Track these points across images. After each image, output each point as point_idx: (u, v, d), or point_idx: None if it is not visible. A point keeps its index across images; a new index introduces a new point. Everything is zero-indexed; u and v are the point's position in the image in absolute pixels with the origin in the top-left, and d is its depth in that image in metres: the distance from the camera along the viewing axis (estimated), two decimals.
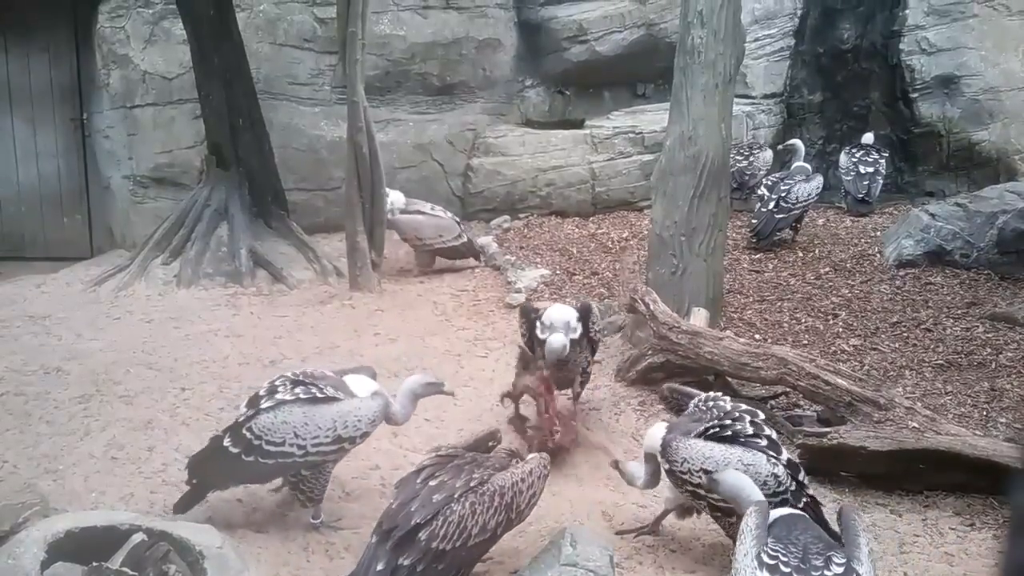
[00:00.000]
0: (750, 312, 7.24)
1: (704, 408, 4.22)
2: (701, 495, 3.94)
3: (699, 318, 6.20)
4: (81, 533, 3.69)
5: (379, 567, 3.55)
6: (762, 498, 3.43)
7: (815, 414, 5.59)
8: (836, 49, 10.54)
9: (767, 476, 3.82)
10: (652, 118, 10.07)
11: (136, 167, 9.87)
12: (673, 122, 6.74)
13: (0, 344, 6.92)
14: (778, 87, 10.59)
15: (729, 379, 5.84)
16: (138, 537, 3.52)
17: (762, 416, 4.18)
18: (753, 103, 10.45)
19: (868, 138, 9.77)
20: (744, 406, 4.24)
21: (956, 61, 9.95)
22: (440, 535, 3.57)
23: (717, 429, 4.02)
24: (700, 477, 3.86)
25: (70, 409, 5.68)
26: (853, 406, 5.13)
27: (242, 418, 4.31)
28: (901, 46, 10.14)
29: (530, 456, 4.02)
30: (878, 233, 8.79)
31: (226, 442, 4.28)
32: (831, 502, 4.77)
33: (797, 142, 9.52)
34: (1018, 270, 7.57)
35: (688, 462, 3.92)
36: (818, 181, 8.83)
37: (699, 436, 4.02)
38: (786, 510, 3.31)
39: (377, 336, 7.07)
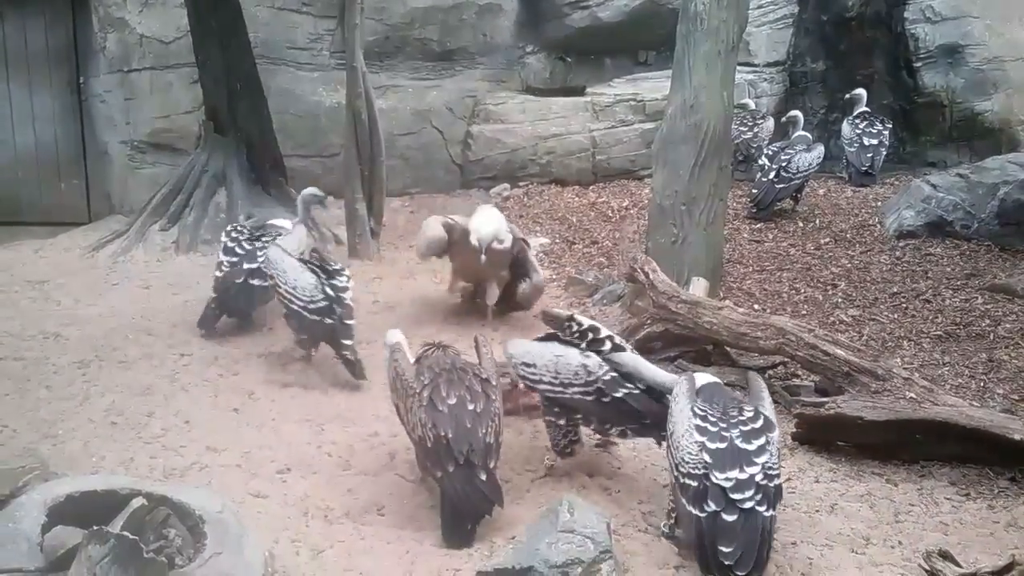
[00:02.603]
0: (749, 282, 7.24)
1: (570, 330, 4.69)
2: (530, 386, 4.62)
3: (699, 288, 6.20)
4: (81, 497, 3.71)
5: (483, 476, 4.04)
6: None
7: (813, 384, 5.60)
8: (840, 17, 10.45)
9: (577, 367, 4.42)
10: (654, 85, 9.99)
11: (133, 132, 9.79)
12: (675, 90, 6.69)
13: None
14: (781, 55, 10.51)
15: (728, 349, 5.85)
16: (138, 501, 3.53)
17: (618, 331, 5.00)
18: (755, 71, 10.37)
19: (861, 95, 9.64)
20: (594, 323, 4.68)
21: (961, 30, 9.86)
22: (500, 431, 4.20)
23: (544, 336, 4.71)
24: (521, 369, 4.58)
25: (69, 374, 5.69)
26: (851, 376, 5.13)
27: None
28: (906, 14, 10.05)
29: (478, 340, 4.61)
30: (879, 203, 8.76)
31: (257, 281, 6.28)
32: (827, 471, 4.81)
33: (797, 113, 9.42)
34: (1018, 241, 7.55)
35: (514, 357, 4.61)
36: (819, 151, 8.78)
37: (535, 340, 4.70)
38: (708, 379, 4.16)
39: (375, 304, 7.07)
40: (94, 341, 6.19)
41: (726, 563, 3.60)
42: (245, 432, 5.04)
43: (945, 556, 3.64)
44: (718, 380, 4.24)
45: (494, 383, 4.29)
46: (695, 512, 3.69)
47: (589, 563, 3.54)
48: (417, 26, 10.07)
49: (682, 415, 3.89)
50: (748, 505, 3.64)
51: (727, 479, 3.66)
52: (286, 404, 5.43)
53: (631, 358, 4.51)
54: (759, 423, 3.84)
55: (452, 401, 4.13)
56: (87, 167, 10.26)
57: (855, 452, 4.95)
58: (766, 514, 3.67)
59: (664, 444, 4.08)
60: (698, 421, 3.83)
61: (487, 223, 6.28)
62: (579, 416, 4.53)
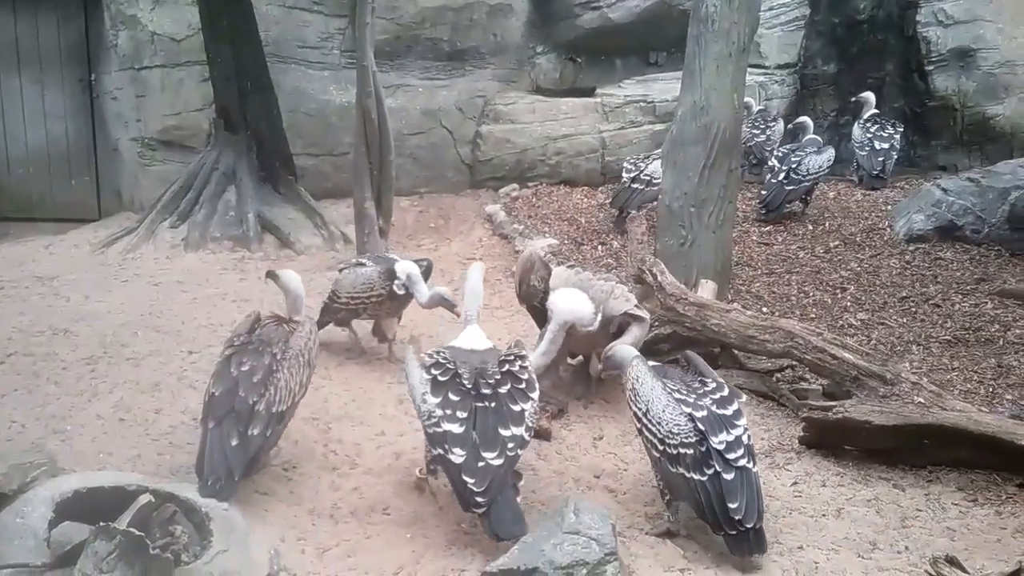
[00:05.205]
0: (758, 285, 7.22)
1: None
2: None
3: (707, 290, 6.19)
4: (88, 493, 3.73)
5: (233, 442, 4.13)
6: None
7: (820, 388, 5.59)
8: (851, 19, 10.41)
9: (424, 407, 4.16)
10: (664, 87, 9.98)
11: (144, 129, 9.82)
12: (685, 91, 6.69)
13: (8, 305, 6.95)
14: (792, 57, 10.47)
15: (735, 351, 5.84)
16: (145, 498, 3.54)
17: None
18: (766, 73, 10.33)
19: (868, 98, 9.60)
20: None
21: (973, 34, 9.80)
22: (276, 400, 4.29)
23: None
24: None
25: (78, 370, 5.71)
26: (859, 380, 5.12)
27: None
28: (918, 17, 10.00)
29: (300, 319, 4.77)
30: (889, 207, 8.73)
31: None
32: (834, 476, 4.79)
33: (805, 120, 9.40)
34: None
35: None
36: (829, 153, 8.76)
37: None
38: (651, 362, 4.43)
39: None
40: (103, 337, 6.21)
41: (736, 518, 3.91)
42: None
43: (952, 562, 3.62)
44: (657, 363, 4.58)
45: (299, 360, 4.44)
46: (696, 477, 4.00)
47: (594, 565, 3.55)
48: (428, 25, 10.06)
49: (654, 393, 4.18)
50: (741, 463, 4.02)
51: (720, 442, 4.03)
52: None
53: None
54: (725, 391, 4.26)
55: (245, 368, 4.34)
56: (98, 164, 10.31)
57: (862, 456, 4.94)
58: (753, 470, 4.07)
59: (637, 426, 4.25)
60: (676, 395, 4.16)
61: (566, 308, 5.37)
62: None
